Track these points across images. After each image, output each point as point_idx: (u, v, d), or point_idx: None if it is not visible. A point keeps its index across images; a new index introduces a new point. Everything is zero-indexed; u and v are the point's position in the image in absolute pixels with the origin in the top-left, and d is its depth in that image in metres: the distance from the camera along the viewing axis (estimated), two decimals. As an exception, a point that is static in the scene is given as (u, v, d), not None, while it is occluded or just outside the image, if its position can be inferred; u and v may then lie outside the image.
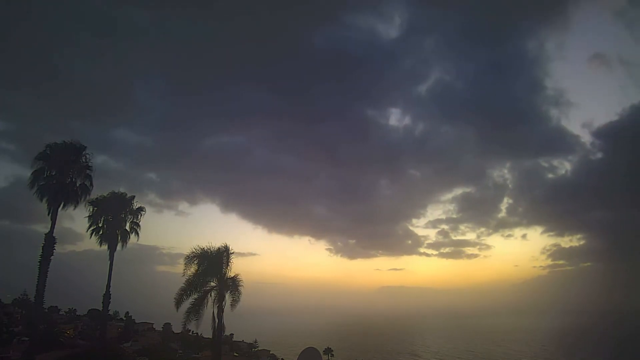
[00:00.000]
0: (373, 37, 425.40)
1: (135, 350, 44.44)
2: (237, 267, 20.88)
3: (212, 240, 20.99)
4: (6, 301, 64.53)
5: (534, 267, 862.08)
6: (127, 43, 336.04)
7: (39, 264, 22.53)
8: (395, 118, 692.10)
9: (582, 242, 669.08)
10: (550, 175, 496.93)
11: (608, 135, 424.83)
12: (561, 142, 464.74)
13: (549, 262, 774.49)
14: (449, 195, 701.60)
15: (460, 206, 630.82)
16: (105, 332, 32.29)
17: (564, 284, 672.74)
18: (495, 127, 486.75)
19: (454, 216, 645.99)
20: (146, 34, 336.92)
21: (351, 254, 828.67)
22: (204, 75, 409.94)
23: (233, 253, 20.78)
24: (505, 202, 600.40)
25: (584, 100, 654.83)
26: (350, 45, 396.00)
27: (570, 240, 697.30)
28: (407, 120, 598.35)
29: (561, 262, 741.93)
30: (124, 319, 77.99)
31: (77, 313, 77.28)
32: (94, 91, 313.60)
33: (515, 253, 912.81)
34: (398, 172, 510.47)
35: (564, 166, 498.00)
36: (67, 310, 78.40)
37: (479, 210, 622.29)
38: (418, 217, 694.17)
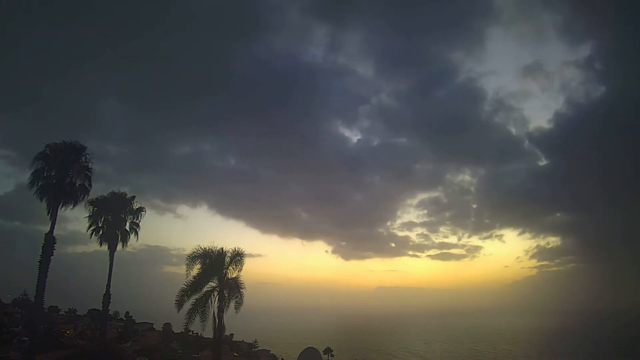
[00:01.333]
0: (313, 63, 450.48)
1: (135, 350, 44.56)
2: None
3: (215, 241, 20.81)
4: (6, 301, 64.65)
5: (523, 268, 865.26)
6: (98, 65, 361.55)
7: (38, 263, 22.47)
8: (349, 132, 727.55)
9: (558, 244, 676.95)
10: (507, 181, 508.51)
11: (545, 142, 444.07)
12: (510, 149, 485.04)
13: (535, 262, 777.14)
14: (414, 200, 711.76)
15: (429, 210, 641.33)
16: (105, 332, 32.18)
17: (554, 285, 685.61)
18: (444, 137, 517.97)
19: (426, 219, 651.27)
20: (110, 56, 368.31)
21: (345, 255, 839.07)
22: (167, 91, 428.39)
23: (239, 256, 20.36)
24: (473, 207, 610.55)
25: (525, 109, 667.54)
26: (279, 69, 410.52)
27: (548, 243, 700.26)
28: (359, 135, 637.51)
29: (546, 262, 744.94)
30: (124, 319, 78.15)
31: (77, 313, 77.45)
32: (66, 109, 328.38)
33: (503, 254, 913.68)
34: (360, 180, 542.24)
35: (519, 171, 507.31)
36: (67, 310, 78.56)
37: (451, 214, 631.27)
38: (394, 220, 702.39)
